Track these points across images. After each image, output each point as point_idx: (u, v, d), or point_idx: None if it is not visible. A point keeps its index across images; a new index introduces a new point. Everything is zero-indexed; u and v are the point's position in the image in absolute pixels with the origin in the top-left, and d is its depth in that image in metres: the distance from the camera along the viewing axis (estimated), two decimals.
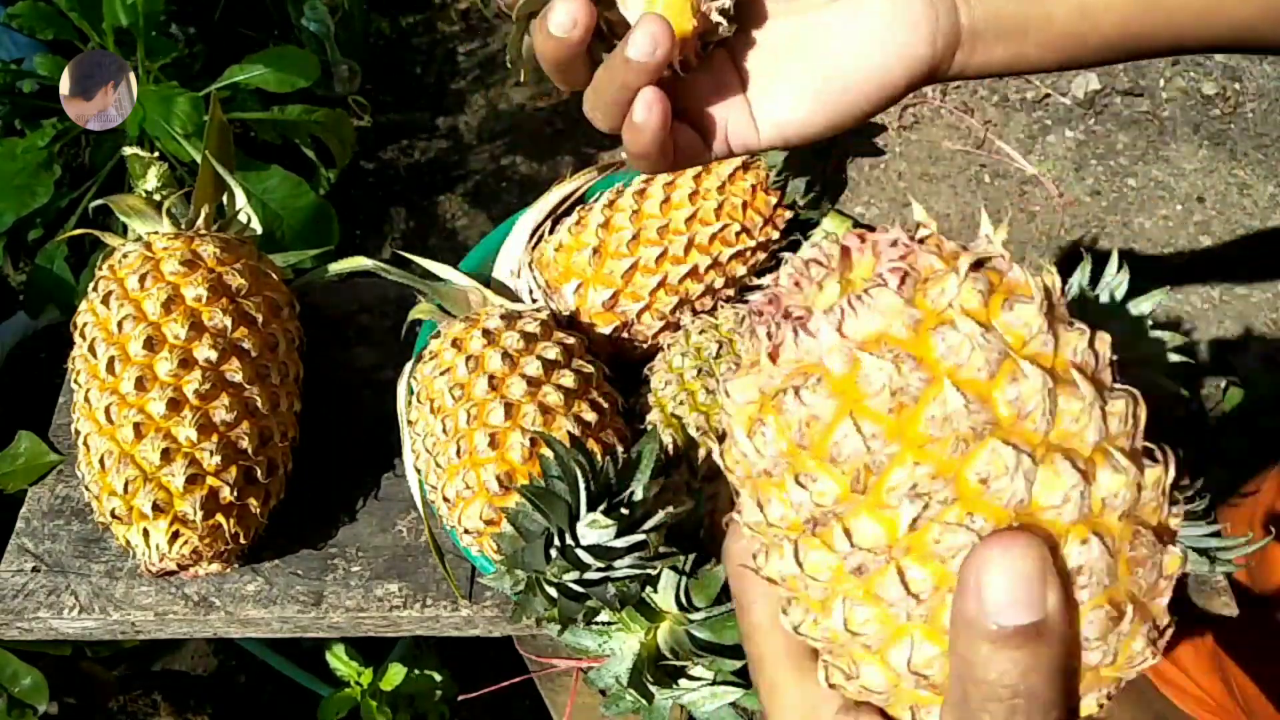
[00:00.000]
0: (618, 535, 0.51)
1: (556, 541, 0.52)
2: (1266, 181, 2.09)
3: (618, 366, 0.71)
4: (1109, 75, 2.23)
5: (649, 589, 0.55)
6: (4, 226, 1.34)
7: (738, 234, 0.72)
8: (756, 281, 0.77)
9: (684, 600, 0.54)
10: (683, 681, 0.54)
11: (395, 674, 1.18)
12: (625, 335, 0.72)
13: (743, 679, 0.53)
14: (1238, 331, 1.89)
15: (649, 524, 0.52)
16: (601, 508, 0.52)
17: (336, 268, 0.77)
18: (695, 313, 0.73)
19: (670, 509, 0.53)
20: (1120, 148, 2.14)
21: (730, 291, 0.75)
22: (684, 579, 0.54)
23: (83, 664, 1.23)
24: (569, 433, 0.59)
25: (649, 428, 0.65)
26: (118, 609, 0.71)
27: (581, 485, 0.52)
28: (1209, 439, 1.74)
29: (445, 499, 0.61)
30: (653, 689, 0.53)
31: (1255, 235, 2.02)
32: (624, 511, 0.52)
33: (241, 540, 0.66)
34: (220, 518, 0.64)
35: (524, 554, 0.52)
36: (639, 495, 0.54)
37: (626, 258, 0.70)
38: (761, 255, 0.75)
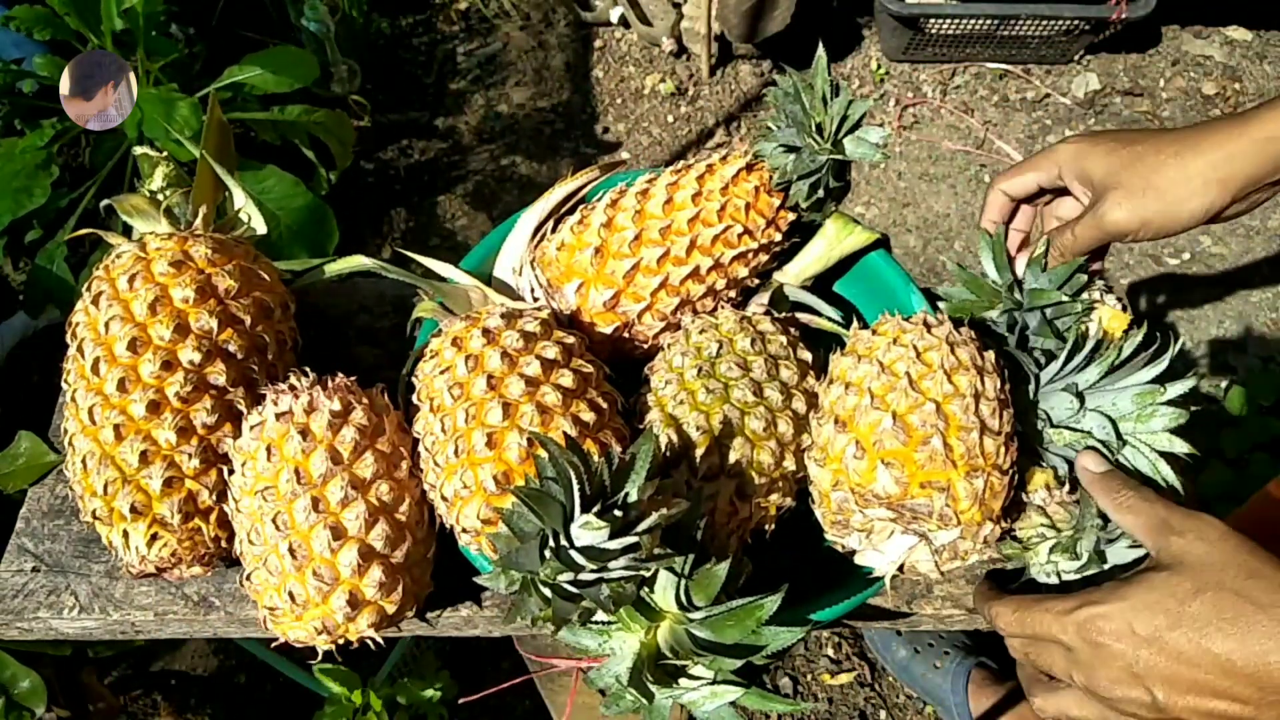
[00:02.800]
0: (611, 537, 0.51)
1: (550, 543, 0.52)
2: None
3: (618, 366, 0.71)
4: (1109, 75, 2.23)
5: (647, 589, 0.55)
6: (1, 226, 1.34)
7: (740, 235, 0.72)
8: (755, 283, 0.77)
9: (684, 599, 0.54)
10: (683, 681, 0.54)
11: (375, 704, 1.19)
12: (626, 335, 0.72)
13: (742, 678, 0.53)
14: (1238, 331, 1.89)
15: (642, 526, 0.52)
16: (595, 509, 0.52)
17: (336, 267, 0.77)
18: (696, 313, 0.73)
19: (665, 511, 0.53)
20: None
21: (732, 293, 0.75)
22: (683, 579, 0.54)
23: (83, 674, 1.23)
24: (565, 433, 0.59)
25: (648, 427, 0.65)
26: (118, 609, 0.71)
27: (575, 487, 0.52)
28: (1209, 439, 1.74)
29: (444, 498, 0.61)
30: (653, 688, 0.53)
31: (1255, 235, 2.02)
32: (618, 514, 0.52)
33: (224, 543, 0.65)
34: (199, 521, 0.64)
35: (518, 554, 0.52)
36: (634, 497, 0.54)
37: (628, 258, 0.70)
38: (764, 257, 0.75)
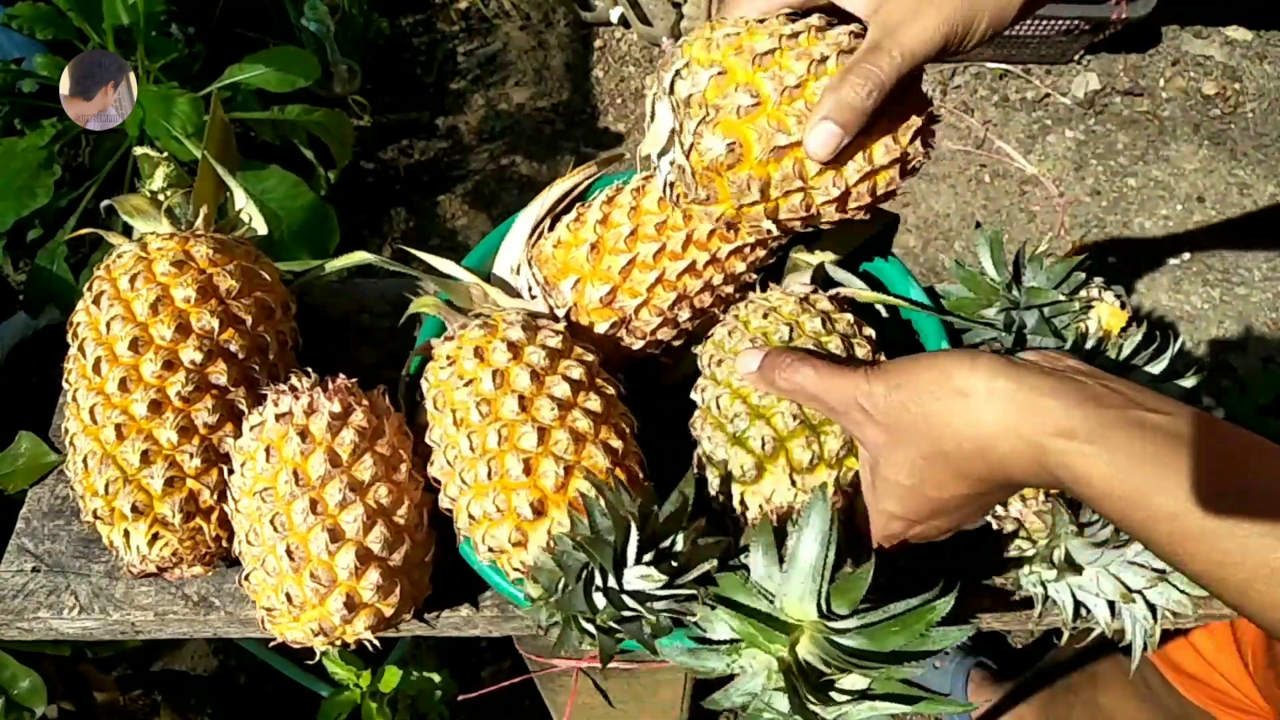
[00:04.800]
0: (664, 587, 0.52)
1: (599, 582, 0.52)
2: (1266, 181, 2.09)
3: (614, 368, 0.71)
4: (1109, 75, 2.23)
5: (767, 601, 0.54)
6: (4, 227, 1.34)
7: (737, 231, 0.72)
8: (754, 279, 0.76)
9: (824, 607, 0.52)
10: (833, 694, 0.50)
11: (392, 676, 1.18)
12: (624, 333, 0.72)
13: (907, 687, 0.49)
14: (1238, 331, 1.89)
15: (693, 574, 0.53)
16: (648, 556, 0.53)
17: (337, 263, 0.77)
18: (695, 310, 0.72)
19: (712, 560, 0.54)
20: (1120, 148, 2.14)
21: (729, 288, 0.74)
22: (823, 585, 0.52)
23: (82, 666, 1.23)
24: (618, 479, 0.58)
25: (695, 460, 0.65)
26: (118, 609, 0.71)
27: (633, 534, 0.53)
28: None
29: (471, 516, 0.60)
30: (814, 707, 0.49)
31: (1255, 235, 2.02)
32: (673, 563, 0.53)
33: (225, 543, 0.65)
34: (200, 520, 0.64)
35: (566, 594, 0.53)
36: (680, 546, 0.55)
37: (624, 253, 0.70)
38: (761, 252, 0.74)
